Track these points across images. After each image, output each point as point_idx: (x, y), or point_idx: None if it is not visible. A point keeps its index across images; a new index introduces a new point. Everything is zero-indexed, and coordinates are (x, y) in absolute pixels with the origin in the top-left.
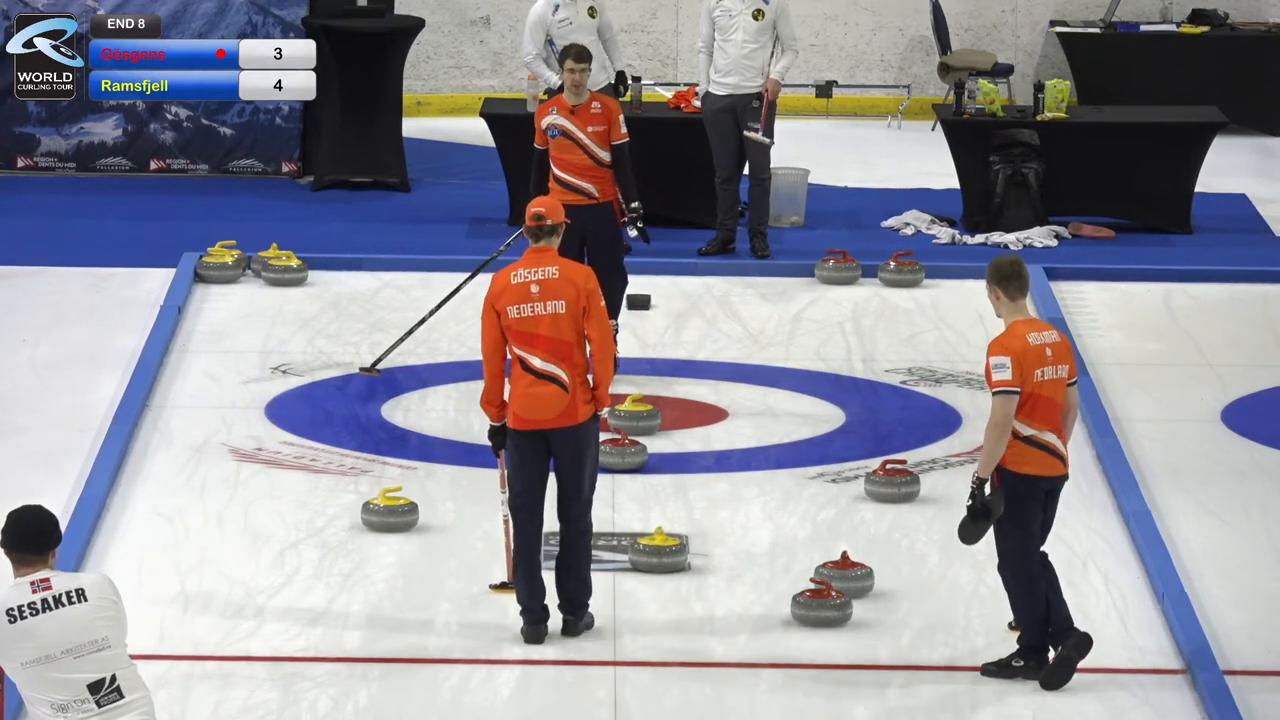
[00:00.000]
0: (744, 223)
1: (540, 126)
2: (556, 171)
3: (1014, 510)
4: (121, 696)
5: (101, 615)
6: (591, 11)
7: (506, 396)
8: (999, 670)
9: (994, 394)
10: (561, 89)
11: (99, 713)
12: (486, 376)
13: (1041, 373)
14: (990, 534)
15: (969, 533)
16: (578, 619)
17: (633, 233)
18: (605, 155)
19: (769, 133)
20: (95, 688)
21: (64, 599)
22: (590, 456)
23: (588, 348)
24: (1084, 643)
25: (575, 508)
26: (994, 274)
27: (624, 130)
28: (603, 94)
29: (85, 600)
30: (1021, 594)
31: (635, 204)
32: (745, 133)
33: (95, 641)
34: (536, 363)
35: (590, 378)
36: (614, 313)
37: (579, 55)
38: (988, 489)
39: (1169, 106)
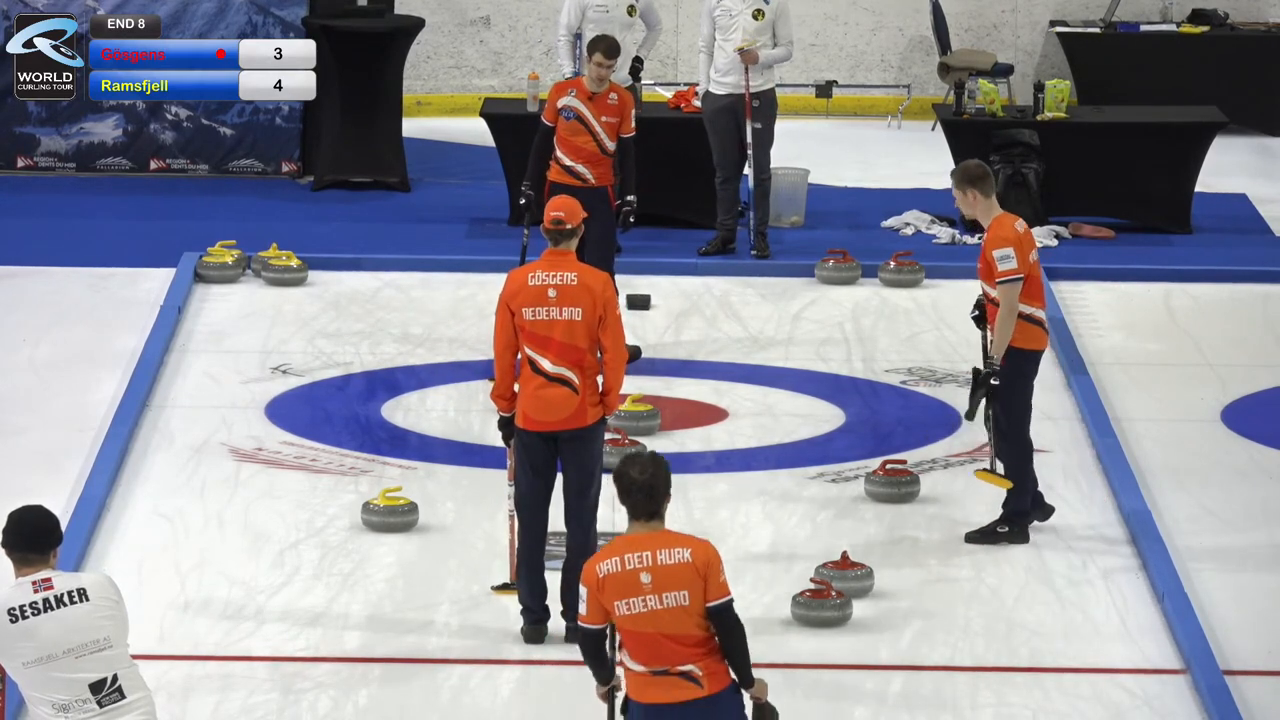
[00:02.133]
0: (744, 223)
1: (555, 104)
2: (560, 153)
3: (1017, 384)
4: (123, 696)
5: (103, 615)
6: (631, 10)
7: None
8: (982, 537)
9: (1001, 283)
10: (576, 74)
11: (100, 713)
12: (498, 372)
13: (1031, 255)
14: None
15: (974, 407)
16: None
17: (619, 223)
18: (611, 145)
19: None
20: (97, 687)
21: (65, 599)
22: (596, 459)
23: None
24: (1044, 514)
25: (581, 510)
26: (965, 177)
27: (633, 125)
28: (619, 86)
29: (87, 600)
30: (1018, 464)
31: (631, 198)
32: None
33: (97, 641)
34: (547, 365)
35: (600, 381)
36: None
37: (609, 51)
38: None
39: (1169, 106)
